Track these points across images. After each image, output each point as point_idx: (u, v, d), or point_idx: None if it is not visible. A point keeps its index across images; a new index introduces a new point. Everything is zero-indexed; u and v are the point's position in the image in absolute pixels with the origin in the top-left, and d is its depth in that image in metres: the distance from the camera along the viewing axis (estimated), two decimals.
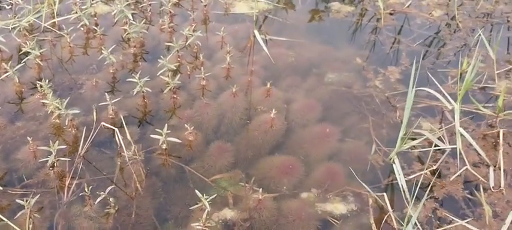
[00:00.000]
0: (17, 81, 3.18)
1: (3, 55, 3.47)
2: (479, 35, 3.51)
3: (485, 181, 2.55)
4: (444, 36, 3.83)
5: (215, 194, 2.44)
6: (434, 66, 3.48)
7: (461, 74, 3.30)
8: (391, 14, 4.10)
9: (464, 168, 2.60)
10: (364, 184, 2.51)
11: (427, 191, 2.45)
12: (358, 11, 4.17)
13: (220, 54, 3.53)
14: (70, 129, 2.83)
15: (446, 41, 3.77)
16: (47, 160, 2.57)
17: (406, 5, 4.19)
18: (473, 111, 3.00)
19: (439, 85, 2.98)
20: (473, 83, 3.14)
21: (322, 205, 2.47)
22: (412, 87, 2.48)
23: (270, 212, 2.42)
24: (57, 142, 2.60)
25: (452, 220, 2.37)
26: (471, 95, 3.09)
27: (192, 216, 2.39)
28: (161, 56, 3.22)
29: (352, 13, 4.13)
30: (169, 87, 3.06)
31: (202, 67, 3.25)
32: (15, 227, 2.25)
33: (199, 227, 2.26)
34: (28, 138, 2.68)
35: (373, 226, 2.35)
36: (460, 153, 2.60)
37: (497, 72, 3.29)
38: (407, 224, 2.14)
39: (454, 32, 3.89)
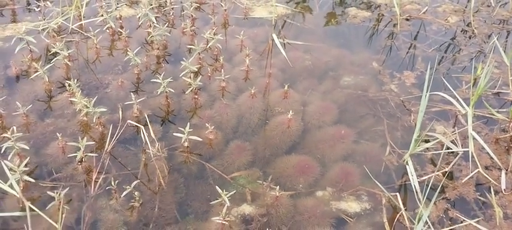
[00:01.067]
0: (47, 80, 3.31)
1: (33, 55, 3.62)
2: (494, 41, 3.55)
3: (497, 184, 2.61)
4: (459, 42, 3.89)
5: (234, 191, 2.53)
6: (449, 72, 3.54)
7: (475, 80, 3.36)
8: (407, 19, 4.17)
9: (476, 170, 2.66)
10: (378, 184, 2.58)
11: (439, 192, 2.53)
12: (375, 16, 4.25)
13: (240, 56, 3.64)
14: (97, 126, 2.96)
15: (462, 47, 3.83)
16: (76, 156, 2.70)
17: (422, 11, 4.26)
18: (487, 115, 3.06)
19: (452, 90, 3.04)
20: (487, 89, 3.21)
21: (337, 203, 2.55)
22: (426, 92, 2.55)
23: (286, 209, 2.52)
24: (85, 138, 2.72)
25: (463, 220, 2.43)
26: (485, 100, 3.15)
27: (212, 211, 2.50)
28: (183, 58, 3.34)
29: (369, 18, 4.21)
30: (191, 88, 3.18)
31: (222, 70, 3.36)
32: (46, 217, 2.37)
33: (219, 221, 2.37)
34: (57, 134, 2.80)
35: (386, 224, 2.43)
36: (472, 156, 2.67)
37: None
38: (418, 223, 2.22)
39: (470, 38, 3.95)
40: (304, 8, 4.39)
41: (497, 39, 3.52)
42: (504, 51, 3.49)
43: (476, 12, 4.26)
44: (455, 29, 4.07)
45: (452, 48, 3.84)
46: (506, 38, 3.92)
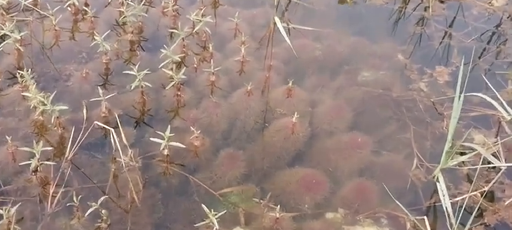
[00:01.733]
0: None
1: None
2: None
3: None
4: (505, 31, 3.97)
5: (224, 211, 2.60)
6: (491, 68, 3.63)
7: None
8: (441, 2, 4.26)
9: None
10: (401, 205, 2.65)
11: (476, 216, 2.61)
12: None
13: (234, 44, 3.73)
14: (56, 128, 3.03)
15: (508, 37, 3.91)
16: (29, 164, 2.77)
17: None
18: None
19: (495, 90, 3.11)
20: None
21: (351, 227, 2.63)
22: (460, 93, 2.63)
23: None
24: (40, 143, 2.78)
25: None
26: None
27: None
28: (164, 45, 3.41)
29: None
30: (172, 83, 3.24)
31: (211, 60, 3.44)
32: None
33: None
34: (6, 136, 2.87)
35: None
36: None
37: None
38: None
39: None
40: None
41: None
42: None
43: None
44: (501, 14, 4.16)
45: (496, 38, 3.92)
46: None
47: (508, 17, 4.13)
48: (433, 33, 3.95)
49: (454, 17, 4.12)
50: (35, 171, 2.79)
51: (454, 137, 2.87)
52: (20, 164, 2.81)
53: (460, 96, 2.64)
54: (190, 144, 2.96)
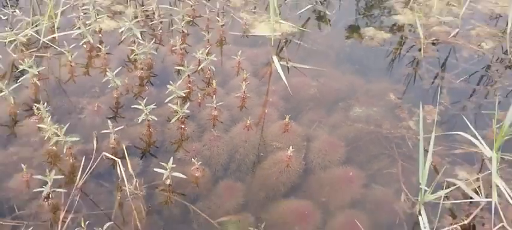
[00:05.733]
0: (12, 101, 3.53)
1: None
2: None
3: None
4: (494, 73, 4.08)
5: None
6: (479, 107, 3.72)
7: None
8: (433, 44, 4.39)
9: (501, 225, 2.82)
10: None
11: None
12: (396, 38, 4.47)
13: (236, 81, 3.85)
14: (67, 158, 3.16)
15: (496, 79, 4.02)
16: (42, 191, 2.88)
17: (452, 35, 4.47)
18: None
19: (473, 129, 3.21)
20: None
21: None
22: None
23: None
24: (53, 171, 2.90)
25: None
26: None
27: None
28: (170, 81, 3.54)
29: (389, 41, 4.43)
30: (177, 116, 3.37)
31: (214, 96, 3.57)
32: None
33: None
34: (22, 165, 2.99)
35: None
36: (496, 207, 2.84)
37: None
38: None
39: (507, 68, 4.14)
40: (314, 26, 4.62)
41: None
42: None
43: None
44: (491, 56, 4.28)
45: (485, 79, 4.03)
46: None
47: (496, 59, 4.25)
48: (424, 73, 4.06)
49: (446, 58, 4.24)
50: (47, 197, 2.90)
51: (439, 173, 2.99)
52: (33, 190, 2.91)
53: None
54: (192, 175, 3.07)
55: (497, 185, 2.88)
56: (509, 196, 2.87)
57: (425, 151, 3.28)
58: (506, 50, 4.31)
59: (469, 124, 3.34)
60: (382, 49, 4.34)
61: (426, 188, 2.83)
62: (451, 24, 4.67)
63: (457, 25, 4.61)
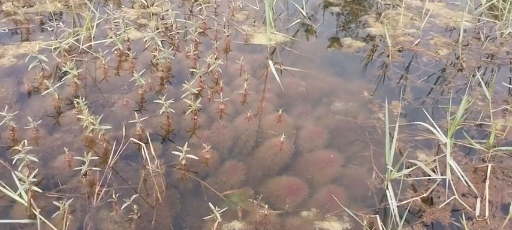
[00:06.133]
0: (56, 97, 3.53)
1: (45, 73, 3.85)
2: (480, 75, 3.75)
3: (472, 211, 2.78)
4: (448, 75, 4.08)
5: (226, 208, 2.71)
6: (436, 103, 3.73)
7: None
8: (399, 51, 4.39)
9: (453, 197, 2.83)
10: (359, 205, 2.75)
11: (417, 217, 2.72)
12: (369, 46, 4.46)
13: (239, 81, 3.85)
14: (101, 142, 3.16)
15: (450, 79, 4.02)
16: (80, 169, 2.89)
17: (415, 43, 4.47)
18: (468, 146, 3.24)
19: (432, 120, 3.22)
20: (469, 120, 3.41)
21: (320, 223, 2.72)
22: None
23: (274, 226, 2.69)
24: (90, 153, 2.92)
25: None
26: (466, 131, 3.33)
27: (205, 226, 2.67)
28: (185, 81, 3.55)
29: (363, 49, 4.42)
30: (191, 109, 3.38)
31: (221, 93, 3.57)
32: (51, 225, 2.56)
33: None
34: (64, 148, 3.00)
35: None
36: (450, 183, 2.84)
37: (493, 110, 3.52)
38: None
39: (458, 70, 4.14)
40: (302, 36, 4.62)
41: (482, 73, 3.71)
42: (487, 85, 3.68)
43: (466, 45, 4.47)
44: (446, 61, 4.27)
45: (441, 80, 4.03)
46: (492, 71, 4.11)
47: (450, 64, 4.24)
48: (391, 75, 4.06)
49: (409, 63, 4.24)
50: (85, 174, 2.91)
51: (404, 156, 2.99)
52: (74, 169, 2.94)
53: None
54: (202, 157, 3.08)
55: (450, 165, 2.88)
56: (460, 174, 2.88)
57: (391, 137, 3.30)
58: (458, 56, 4.31)
59: (428, 116, 3.34)
60: (358, 55, 4.33)
61: (392, 168, 2.83)
62: (414, 35, 4.66)
63: (418, 36, 4.61)
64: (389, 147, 2.83)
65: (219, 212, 2.61)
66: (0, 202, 2.75)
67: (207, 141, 3.18)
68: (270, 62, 3.91)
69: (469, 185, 2.90)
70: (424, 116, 3.45)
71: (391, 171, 2.83)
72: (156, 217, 2.71)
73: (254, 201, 2.82)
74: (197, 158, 3.01)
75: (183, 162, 3.01)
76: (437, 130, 3.07)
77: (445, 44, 4.52)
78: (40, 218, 2.56)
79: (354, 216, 2.72)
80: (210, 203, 2.67)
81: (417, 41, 4.50)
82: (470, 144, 3.20)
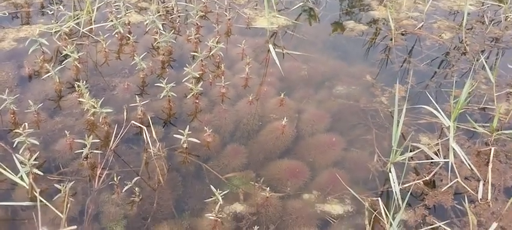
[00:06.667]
0: (57, 80, 3.52)
1: (45, 56, 3.84)
2: (484, 58, 3.72)
3: (475, 194, 2.78)
4: (452, 58, 4.05)
5: (228, 190, 2.71)
6: (440, 86, 3.71)
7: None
8: (402, 34, 4.35)
9: (456, 180, 2.83)
10: (361, 188, 2.75)
11: (419, 199, 2.72)
12: (372, 30, 4.43)
13: (240, 65, 3.84)
14: (103, 126, 3.16)
15: (453, 63, 3.99)
16: (82, 152, 2.90)
17: (418, 27, 4.44)
18: (471, 129, 3.23)
19: (435, 103, 3.20)
20: (473, 104, 3.40)
21: (321, 205, 2.73)
22: (397, 106, 2.72)
23: (275, 209, 2.69)
24: (91, 136, 2.92)
25: (440, 226, 2.60)
26: (469, 115, 3.32)
27: (207, 208, 2.68)
28: (186, 64, 3.54)
29: (366, 32, 4.39)
30: (192, 93, 3.37)
31: (223, 76, 3.56)
32: (53, 208, 2.57)
33: (212, 217, 2.55)
34: (65, 131, 3.00)
35: (367, 226, 2.60)
36: (452, 167, 2.84)
37: (497, 94, 3.51)
38: (390, 226, 2.38)
39: (462, 54, 4.11)
40: (305, 20, 4.58)
41: (486, 56, 3.69)
42: (491, 69, 3.66)
43: (470, 29, 4.44)
44: (449, 45, 4.25)
45: (444, 63, 4.01)
46: (496, 55, 4.09)
47: (454, 47, 4.21)
48: (394, 58, 4.04)
49: (412, 46, 4.21)
50: (86, 157, 2.92)
51: (407, 139, 2.98)
52: (75, 152, 2.94)
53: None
54: (204, 140, 3.08)
55: (453, 149, 2.87)
56: (463, 157, 2.87)
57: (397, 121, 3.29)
58: (462, 40, 4.28)
59: (431, 99, 3.33)
60: (361, 39, 4.30)
61: (397, 149, 2.82)
62: (417, 18, 4.63)
63: (422, 19, 4.57)
64: (396, 127, 2.80)
65: (221, 194, 2.61)
66: (1, 185, 2.76)
67: (209, 124, 3.18)
68: (271, 46, 3.89)
69: (472, 169, 2.89)
70: (427, 100, 3.44)
71: (396, 151, 2.81)
72: (157, 200, 2.72)
73: (256, 184, 2.82)
74: (199, 141, 3.01)
75: (185, 145, 3.01)
76: (441, 114, 3.05)
77: (449, 28, 4.49)
78: (41, 201, 2.57)
79: (357, 197, 2.72)
80: (211, 186, 2.67)
81: (420, 25, 4.47)
82: (474, 128, 3.19)
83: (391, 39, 4.25)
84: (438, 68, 3.94)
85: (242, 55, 3.95)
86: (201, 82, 3.47)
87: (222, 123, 3.26)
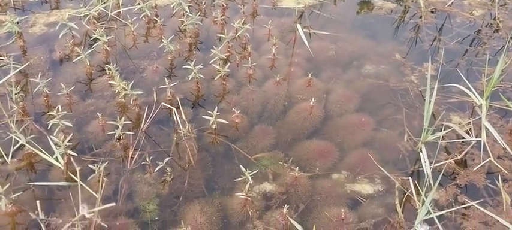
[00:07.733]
0: (88, 64, 3.60)
1: (75, 40, 3.92)
2: None
3: (508, 173, 2.75)
4: (483, 36, 3.97)
5: (257, 170, 2.75)
6: (471, 65, 3.65)
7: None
8: (432, 12, 4.28)
9: (488, 159, 2.80)
10: (390, 168, 2.75)
11: (451, 179, 2.71)
12: (401, 8, 4.37)
13: (267, 45, 3.84)
14: (134, 108, 3.22)
15: (485, 41, 3.92)
16: (114, 133, 2.97)
17: (448, 4, 4.35)
18: (504, 108, 3.18)
19: (467, 82, 3.16)
20: (506, 82, 3.33)
21: (351, 185, 2.75)
22: (430, 85, 2.69)
23: (304, 188, 2.73)
24: (122, 118, 2.98)
25: (472, 205, 2.59)
26: (502, 93, 3.26)
27: (236, 187, 2.73)
28: (213, 46, 3.57)
29: (395, 10, 4.33)
30: (219, 75, 3.40)
31: (249, 58, 3.58)
32: (87, 188, 2.66)
33: (243, 196, 2.60)
34: (97, 113, 3.08)
35: (397, 206, 2.61)
36: (485, 146, 2.81)
37: None
38: (422, 204, 2.39)
39: (495, 31, 4.03)
40: None
41: None
42: None
43: (503, 5, 4.33)
44: (481, 22, 4.16)
45: (476, 41, 3.93)
46: None
47: (486, 25, 4.13)
48: (424, 36, 3.99)
49: (442, 24, 4.14)
50: (119, 138, 2.99)
51: (438, 118, 2.96)
52: (107, 133, 3.02)
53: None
54: (232, 121, 3.11)
55: (486, 127, 2.84)
56: (496, 136, 2.84)
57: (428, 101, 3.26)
58: (495, 17, 4.18)
59: (463, 77, 3.28)
60: (389, 17, 4.25)
61: (429, 128, 2.80)
62: None
63: None
64: (428, 106, 2.78)
65: (250, 174, 2.65)
66: (38, 165, 2.87)
67: (237, 105, 3.21)
68: (298, 26, 3.88)
69: (505, 148, 2.86)
70: (458, 78, 3.39)
71: (428, 130, 2.79)
72: (188, 179, 2.78)
73: (284, 164, 2.85)
74: (227, 122, 3.05)
75: (214, 126, 3.06)
76: (473, 92, 3.01)
77: (480, 4, 4.39)
78: (76, 181, 2.65)
79: (389, 176, 2.73)
80: (241, 166, 2.72)
81: (450, 2, 4.38)
82: (507, 106, 3.14)
83: (421, 17, 4.19)
84: (469, 46, 3.87)
85: (268, 36, 3.96)
86: (228, 64, 3.50)
87: (249, 104, 3.29)
